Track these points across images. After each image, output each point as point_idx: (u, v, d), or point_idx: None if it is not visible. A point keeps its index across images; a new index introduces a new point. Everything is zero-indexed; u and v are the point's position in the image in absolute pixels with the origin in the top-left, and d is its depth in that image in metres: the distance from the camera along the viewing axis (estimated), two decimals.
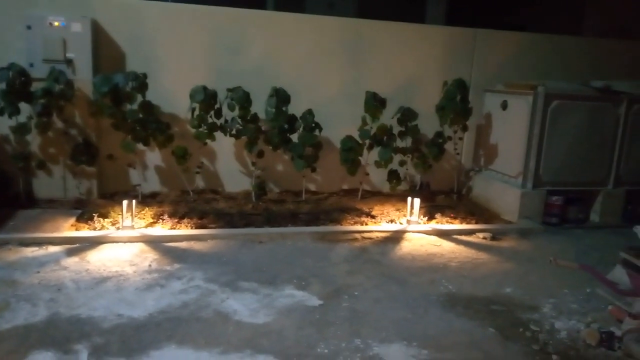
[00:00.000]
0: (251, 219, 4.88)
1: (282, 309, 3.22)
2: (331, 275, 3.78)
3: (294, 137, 5.40)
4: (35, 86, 4.76)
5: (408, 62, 6.10)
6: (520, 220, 5.21)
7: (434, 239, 4.71)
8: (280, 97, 5.25)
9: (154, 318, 3.04)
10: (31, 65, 4.89)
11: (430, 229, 4.85)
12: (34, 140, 5.03)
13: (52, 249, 4.08)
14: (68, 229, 4.42)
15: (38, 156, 5.06)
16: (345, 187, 6.07)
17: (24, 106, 4.76)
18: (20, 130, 4.78)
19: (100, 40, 5.22)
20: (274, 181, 5.90)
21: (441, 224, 5.02)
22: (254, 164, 5.50)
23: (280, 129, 5.31)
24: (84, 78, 5.04)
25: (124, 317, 3.04)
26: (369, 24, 5.98)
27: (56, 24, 4.95)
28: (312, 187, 5.98)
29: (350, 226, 4.83)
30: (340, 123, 5.76)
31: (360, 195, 5.75)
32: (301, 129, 5.37)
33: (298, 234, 4.58)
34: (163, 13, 5.41)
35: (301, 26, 5.78)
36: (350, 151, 5.46)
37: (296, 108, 5.34)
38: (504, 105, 5.69)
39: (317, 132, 5.40)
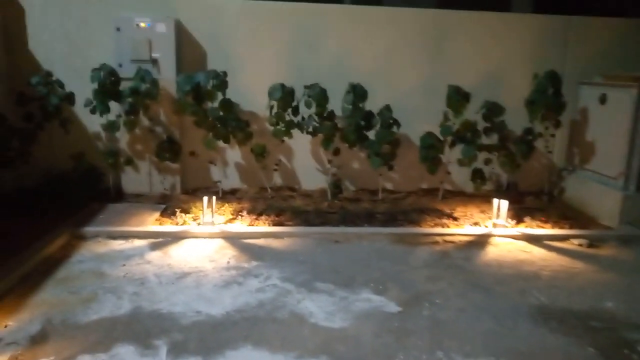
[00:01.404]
0: (327, 218, 4.80)
1: (358, 314, 3.11)
2: (410, 280, 3.61)
3: (371, 135, 5.26)
4: (124, 85, 4.98)
5: (493, 53, 5.73)
6: (622, 226, 4.72)
7: (523, 244, 4.38)
8: (357, 93, 5.13)
9: (231, 317, 3.04)
10: (120, 65, 5.12)
11: (518, 233, 4.51)
12: (122, 138, 5.28)
13: (138, 242, 4.24)
14: (152, 223, 4.58)
15: (126, 153, 5.30)
16: (424, 186, 5.84)
17: (113, 105, 4.99)
18: (110, 127, 5.02)
19: (183, 39, 5.36)
20: (350, 179, 5.79)
21: (531, 228, 4.66)
22: (330, 161, 5.42)
23: (356, 125, 5.18)
24: (168, 77, 5.21)
25: (202, 314, 3.07)
26: (450, 15, 5.68)
27: (142, 25, 5.14)
28: (389, 186, 5.80)
29: (430, 228, 4.61)
30: (419, 119, 5.53)
31: (440, 196, 5.50)
32: (378, 125, 5.22)
33: (375, 234, 4.44)
34: (242, 10, 5.46)
35: (379, 19, 5.61)
36: (431, 148, 5.23)
37: (373, 104, 5.19)
38: (603, 99, 5.19)
39: (394, 129, 5.22)
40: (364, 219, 4.79)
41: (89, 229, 4.33)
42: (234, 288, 3.43)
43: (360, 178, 5.78)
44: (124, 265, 3.77)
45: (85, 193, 5.04)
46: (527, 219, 4.82)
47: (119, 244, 4.18)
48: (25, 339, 2.74)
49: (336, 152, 5.29)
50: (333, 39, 5.57)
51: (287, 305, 3.19)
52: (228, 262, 3.85)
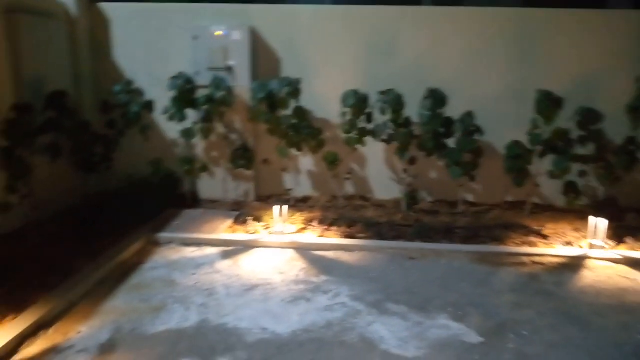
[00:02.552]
0: (401, 231, 4.55)
1: (435, 343, 2.85)
2: (493, 307, 3.28)
3: (451, 143, 4.95)
4: (200, 93, 5.03)
5: (588, 55, 5.19)
6: None
7: (625, 269, 3.88)
8: (436, 98, 4.85)
9: (298, 337, 2.89)
10: (197, 73, 5.19)
11: (619, 256, 4.01)
12: (198, 145, 5.35)
13: (209, 250, 4.23)
14: (225, 231, 4.57)
15: (201, 159, 5.36)
16: (509, 199, 5.40)
17: (190, 112, 5.06)
18: (186, 134, 5.10)
19: (257, 47, 5.34)
20: (427, 190, 5.49)
21: (634, 250, 4.13)
22: (405, 170, 5.16)
23: (435, 133, 4.90)
24: (243, 85, 5.21)
25: (268, 331, 2.95)
26: (538, 13, 5.21)
27: (218, 33, 5.18)
28: (470, 198, 5.43)
29: (516, 247, 4.22)
30: (504, 126, 5.13)
31: (528, 210, 5.05)
32: (459, 133, 4.89)
33: (454, 252, 4.13)
34: (315, 16, 5.34)
35: (460, 21, 5.27)
36: (518, 159, 4.82)
37: (454, 110, 4.88)
38: None
39: (477, 137, 4.87)
40: (442, 234, 4.48)
41: (164, 235, 4.39)
42: (302, 304, 3.28)
43: (437, 189, 5.46)
44: (194, 274, 3.76)
45: (163, 198, 5.15)
46: (629, 240, 4.28)
47: (191, 252, 4.20)
48: (95, 347, 2.76)
49: (412, 160, 5.03)
50: (410, 43, 5.31)
51: (357, 328, 2.99)
52: (297, 276, 3.72)
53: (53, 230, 4.35)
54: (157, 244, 4.31)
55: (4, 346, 2.67)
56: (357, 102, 4.86)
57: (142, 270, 3.81)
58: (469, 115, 4.88)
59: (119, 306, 3.24)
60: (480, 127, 4.86)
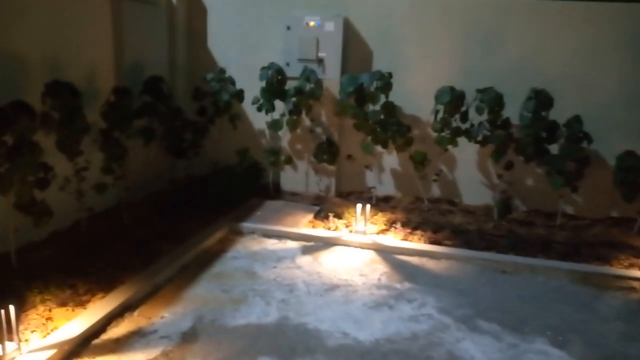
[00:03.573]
0: (492, 241, 4.24)
1: None
2: (598, 335, 2.94)
3: (553, 149, 4.54)
4: (289, 85, 4.98)
5: None
6: None
7: None
8: (541, 100, 4.45)
9: (381, 346, 2.74)
10: (287, 64, 5.13)
11: None
12: (284, 136, 5.31)
13: (290, 244, 4.17)
14: (305, 225, 4.49)
15: (286, 151, 5.32)
16: (614, 214, 4.89)
17: (278, 104, 5.02)
18: (274, 126, 5.07)
19: (350, 38, 5.19)
20: (521, 197, 5.09)
21: None
22: (499, 176, 4.81)
23: (536, 137, 4.51)
24: (332, 77, 5.09)
25: (349, 337, 2.82)
26: None
27: (312, 24, 5.09)
28: (570, 210, 4.97)
29: (624, 269, 3.79)
30: (617, 135, 4.66)
31: (637, 228, 4.54)
32: (563, 139, 4.48)
33: (551, 269, 3.77)
34: (412, 7, 5.08)
35: (572, 16, 4.79)
36: (630, 171, 4.33)
37: (559, 114, 4.47)
38: None
39: (584, 144, 4.43)
40: (538, 248, 4.12)
41: (247, 225, 4.38)
42: (385, 311, 3.12)
43: (534, 197, 5.05)
44: (275, 267, 3.70)
45: (247, 188, 5.17)
46: None
47: (272, 244, 4.16)
48: (176, 334, 2.77)
49: (509, 165, 4.67)
50: (514, 38, 4.92)
51: (445, 344, 2.78)
52: (379, 279, 3.56)
53: (142, 212, 4.49)
54: (239, 233, 4.31)
55: (93, 324, 2.74)
56: (453, 100, 4.57)
57: (224, 258, 3.82)
58: (576, 120, 4.45)
59: (201, 294, 3.24)
60: (588, 133, 4.42)
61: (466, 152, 5.07)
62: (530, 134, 4.51)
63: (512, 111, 4.58)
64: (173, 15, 5.29)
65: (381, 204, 5.12)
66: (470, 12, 4.97)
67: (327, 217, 4.60)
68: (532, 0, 4.89)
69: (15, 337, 2.44)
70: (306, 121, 5.21)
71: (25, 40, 3.56)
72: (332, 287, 3.41)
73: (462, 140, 4.79)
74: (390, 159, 5.36)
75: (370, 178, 5.38)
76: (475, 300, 3.30)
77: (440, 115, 4.72)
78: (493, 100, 4.55)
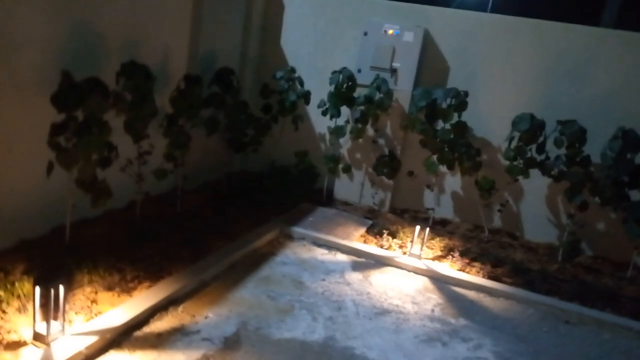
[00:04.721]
0: (556, 285, 3.93)
1: None
2: None
3: (634, 195, 4.18)
4: (358, 92, 4.82)
5: None
6: None
7: None
8: (628, 140, 4.10)
9: None
10: (359, 71, 4.97)
11: None
12: (345, 144, 5.15)
13: (340, 256, 4.01)
14: (357, 239, 4.32)
15: (345, 159, 5.17)
16: None
17: (344, 110, 4.87)
18: (337, 132, 4.93)
19: (427, 51, 4.98)
20: (590, 241, 4.72)
21: None
22: (570, 215, 4.47)
23: (617, 180, 4.16)
24: (403, 89, 4.90)
25: None
26: None
27: (390, 32, 4.91)
28: None
29: None
30: None
31: None
32: None
33: (620, 326, 3.44)
34: (497, 27, 4.81)
35: None
36: None
37: None
38: None
39: None
40: (606, 300, 3.78)
41: (297, 230, 4.26)
42: (438, 348, 2.91)
43: (604, 243, 4.68)
44: (324, 280, 3.56)
45: (301, 191, 5.05)
46: None
47: (321, 253, 4.01)
48: (219, 339, 2.66)
49: (583, 206, 4.33)
50: (604, 71, 4.56)
51: None
52: (432, 311, 3.34)
53: (196, 202, 4.45)
54: (289, 237, 4.19)
55: (137, 315, 2.67)
56: (531, 128, 4.29)
57: (273, 263, 3.70)
58: None
59: (247, 298, 3.13)
60: None
61: (536, 185, 4.76)
62: (611, 176, 4.17)
63: (594, 149, 4.24)
64: (251, 7, 5.23)
65: (437, 227, 4.88)
66: (561, 39, 4.65)
67: (380, 234, 4.42)
68: (626, 33, 4.54)
69: (60, 317, 2.39)
70: (370, 131, 5.03)
71: (108, 17, 3.57)
72: (382, 312, 3.23)
73: (534, 172, 4.49)
74: (453, 181, 5.11)
75: (429, 198, 5.15)
76: (536, 349, 3.04)
77: (515, 142, 4.44)
78: (574, 135, 4.24)
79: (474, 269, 4.01)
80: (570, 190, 4.34)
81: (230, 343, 2.64)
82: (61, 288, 2.36)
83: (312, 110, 5.23)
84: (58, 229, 3.35)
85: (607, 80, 4.58)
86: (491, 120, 4.82)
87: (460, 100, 4.53)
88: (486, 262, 4.14)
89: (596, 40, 4.59)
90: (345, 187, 5.30)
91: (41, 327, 2.34)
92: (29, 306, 2.56)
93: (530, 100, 4.69)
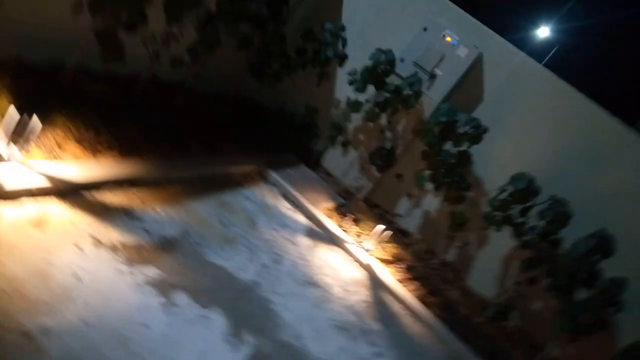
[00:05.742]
0: (473, 336, 4.07)
1: None
2: None
3: (581, 293, 4.30)
4: (391, 79, 4.77)
5: None
6: None
7: None
8: (603, 244, 4.13)
9: None
10: (402, 60, 4.92)
11: None
12: (354, 120, 5.12)
13: (300, 217, 4.08)
14: (323, 210, 4.36)
15: (347, 135, 5.16)
16: None
17: (369, 89, 4.82)
18: (353, 106, 4.89)
19: (471, 73, 4.93)
20: (522, 312, 4.77)
21: None
22: (517, 283, 4.57)
23: (574, 274, 4.27)
24: (432, 98, 4.87)
25: (302, 340, 2.71)
26: None
27: (448, 39, 4.84)
28: None
29: None
30: None
31: None
32: (598, 290, 4.23)
33: None
34: (542, 82, 4.75)
35: None
36: None
37: (613, 265, 4.20)
38: None
39: (612, 309, 4.17)
40: None
41: (274, 176, 4.29)
42: (344, 338, 3.00)
43: (533, 321, 4.79)
44: (276, 230, 3.62)
45: (294, 142, 5.06)
46: None
47: (285, 207, 4.07)
48: (158, 236, 2.70)
49: (533, 281, 4.42)
50: (618, 169, 4.59)
51: None
52: (356, 304, 3.43)
53: (197, 107, 4.41)
54: (264, 178, 4.22)
55: (93, 177, 2.67)
56: (526, 190, 4.33)
57: (238, 193, 3.73)
58: (620, 283, 4.18)
59: (200, 212, 3.16)
60: (621, 301, 4.15)
61: (501, 242, 4.83)
62: (571, 269, 4.27)
63: (572, 234, 4.31)
64: None
65: (398, 234, 4.96)
66: (593, 123, 4.65)
67: (345, 216, 4.47)
68: None
69: (23, 145, 2.38)
70: (383, 120, 5.02)
71: None
72: (312, 284, 3.31)
73: (506, 230, 4.55)
74: (432, 201, 5.16)
75: (403, 206, 5.21)
76: None
77: (504, 196, 4.49)
78: (560, 215, 4.28)
79: (411, 286, 4.11)
80: (529, 262, 4.42)
81: (166, 244, 2.68)
82: (35, 117, 2.34)
83: (341, 74, 5.18)
84: (58, 67, 3.28)
85: (615, 181, 4.62)
86: (494, 164, 4.85)
87: (478, 133, 4.52)
88: (424, 286, 4.25)
89: (623, 140, 4.60)
90: (335, 159, 5.31)
91: (1, 146, 2.33)
92: None
93: (538, 164, 4.71)
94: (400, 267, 4.28)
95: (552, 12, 10.46)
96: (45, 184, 2.40)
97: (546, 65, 5.02)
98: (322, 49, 4.88)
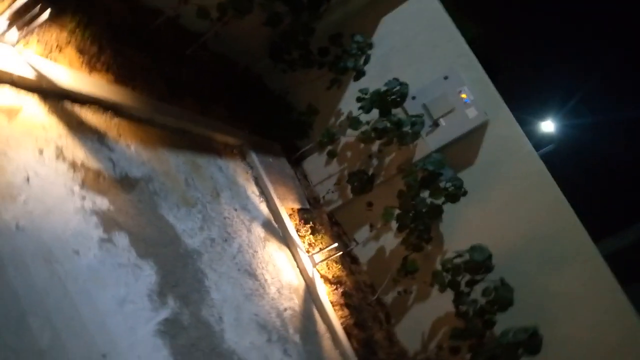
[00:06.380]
0: None
1: None
2: None
3: None
4: (396, 111, 4.79)
5: None
6: None
7: None
8: (532, 341, 4.24)
9: None
10: (413, 97, 4.96)
11: None
12: (348, 135, 5.09)
13: (263, 207, 4.00)
14: (287, 208, 4.30)
15: (337, 147, 5.15)
16: None
17: (374, 113, 4.82)
18: (353, 123, 4.87)
19: (472, 136, 5.01)
20: None
21: None
22: (440, 347, 4.67)
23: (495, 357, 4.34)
24: (428, 144, 4.92)
25: (223, 321, 2.66)
26: None
27: (463, 95, 4.92)
28: None
29: None
30: None
31: None
32: None
33: None
34: (530, 169, 4.90)
35: None
36: None
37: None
38: None
39: None
40: None
41: (253, 157, 4.20)
42: (262, 338, 2.94)
43: None
44: (236, 210, 3.54)
45: (284, 133, 5.04)
46: None
47: (252, 191, 4.00)
48: (121, 170, 2.59)
49: (455, 350, 4.50)
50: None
51: None
52: (285, 310, 3.39)
53: (207, 63, 4.34)
54: (243, 156, 4.15)
55: (80, 91, 2.56)
56: (480, 263, 4.38)
57: (213, 161, 3.65)
58: None
59: (170, 164, 3.07)
60: None
61: (439, 303, 4.89)
62: (494, 355, 4.31)
63: (508, 321, 4.38)
64: None
65: (347, 258, 4.95)
66: (571, 232, 4.79)
67: (306, 222, 4.44)
68: None
69: (24, 33, 2.27)
70: (375, 146, 5.04)
71: None
72: (251, 275, 3.24)
73: (448, 293, 4.60)
74: (389, 239, 5.19)
75: (362, 234, 5.22)
76: None
77: (459, 260, 4.54)
78: (501, 299, 4.34)
79: (341, 312, 4.10)
80: (459, 332, 4.47)
81: (126, 182, 2.58)
82: (48, 11, 2.24)
83: (352, 88, 5.17)
84: None
85: (562, 285, 4.74)
86: (460, 228, 4.92)
87: (457, 193, 4.57)
88: (353, 317, 4.24)
89: (583, 252, 4.74)
90: (315, 165, 5.29)
91: (2, 24, 2.21)
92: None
93: (499, 243, 4.73)
94: (338, 291, 4.27)
95: (562, 105, 10.82)
96: (30, 76, 2.28)
97: (543, 156, 5.15)
98: (344, 56, 4.86)
